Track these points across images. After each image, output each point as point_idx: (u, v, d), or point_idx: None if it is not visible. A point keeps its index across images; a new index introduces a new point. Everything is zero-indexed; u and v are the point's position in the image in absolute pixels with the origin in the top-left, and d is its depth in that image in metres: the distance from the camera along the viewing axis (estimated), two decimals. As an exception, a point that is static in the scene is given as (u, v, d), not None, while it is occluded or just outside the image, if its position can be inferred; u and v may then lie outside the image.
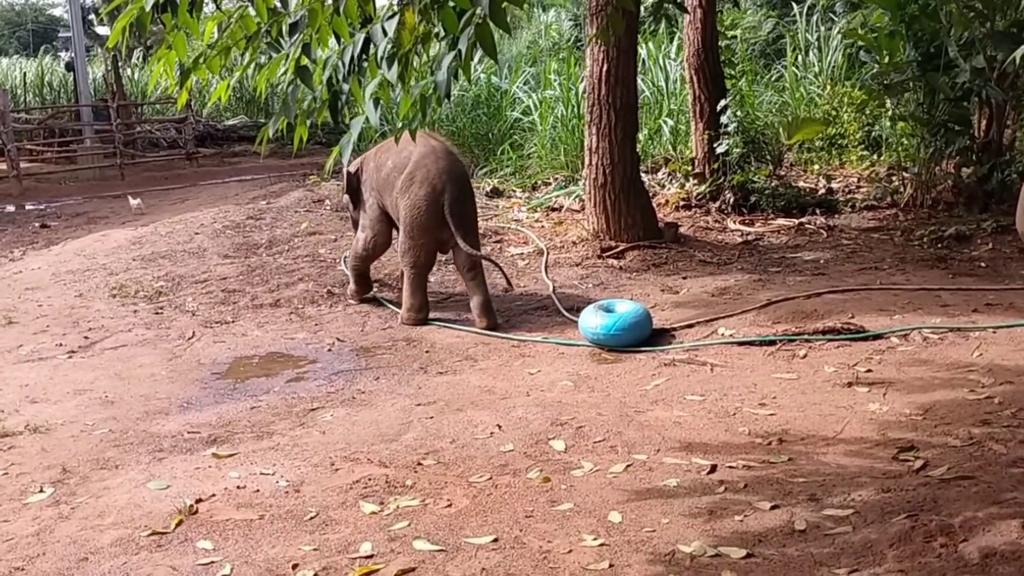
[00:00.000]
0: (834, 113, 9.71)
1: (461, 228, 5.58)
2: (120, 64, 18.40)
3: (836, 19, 13.00)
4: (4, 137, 13.31)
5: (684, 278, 6.25)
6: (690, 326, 5.24)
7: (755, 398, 4.15)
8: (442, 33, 2.57)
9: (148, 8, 2.62)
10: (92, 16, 36.22)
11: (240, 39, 2.74)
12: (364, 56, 2.73)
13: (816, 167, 9.63)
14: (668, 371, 4.62)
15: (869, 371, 4.34)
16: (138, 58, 23.51)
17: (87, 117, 15.22)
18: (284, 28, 2.77)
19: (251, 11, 2.90)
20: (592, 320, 5.18)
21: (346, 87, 2.75)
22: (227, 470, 3.83)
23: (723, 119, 7.89)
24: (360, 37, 2.69)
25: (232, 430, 4.28)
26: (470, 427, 4.11)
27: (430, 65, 2.58)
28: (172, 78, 3.11)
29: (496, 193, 10.36)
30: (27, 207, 12.44)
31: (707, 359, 4.69)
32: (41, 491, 3.73)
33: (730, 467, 3.48)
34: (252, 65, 2.94)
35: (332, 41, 2.85)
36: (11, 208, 12.35)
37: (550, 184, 10.61)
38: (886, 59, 8.01)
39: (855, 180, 9.11)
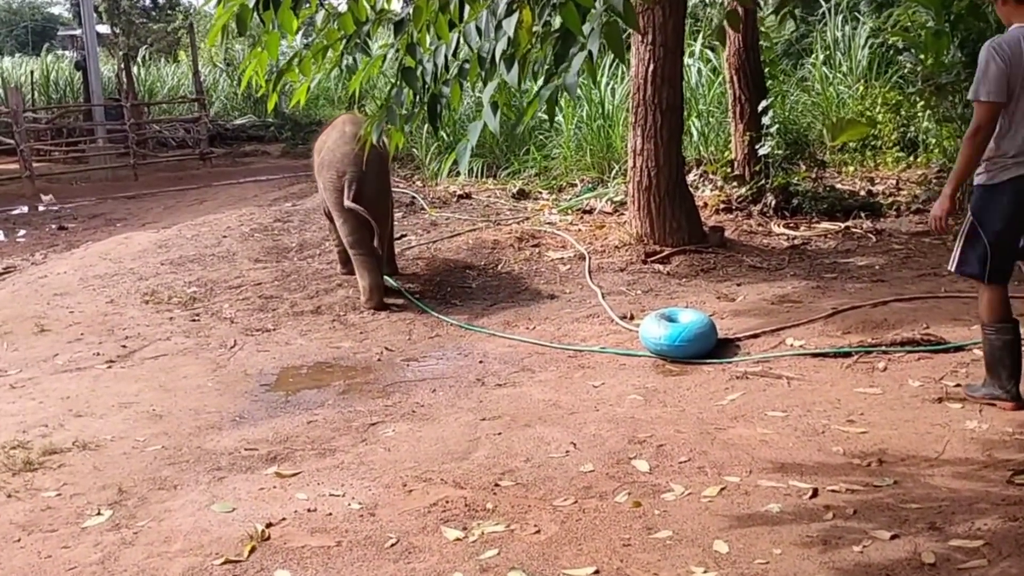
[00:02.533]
0: (868, 114, 9.54)
1: (360, 201, 6.08)
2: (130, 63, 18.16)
3: (861, 18, 12.83)
4: (17, 137, 13.08)
5: (738, 285, 6.06)
6: (755, 336, 5.05)
7: (841, 415, 3.97)
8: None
9: (251, 4, 2.42)
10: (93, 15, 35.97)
11: (336, 39, 2.55)
12: (456, 58, 2.56)
13: (851, 168, 9.46)
14: (742, 385, 4.44)
15: (958, 385, 4.15)
16: (142, 57, 23.31)
17: (100, 116, 14.98)
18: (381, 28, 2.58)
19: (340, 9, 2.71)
20: (655, 330, 5.00)
21: (445, 90, 2.55)
22: (293, 491, 3.65)
23: (764, 120, 7.71)
24: (455, 36, 2.50)
25: (291, 447, 4.09)
26: (542, 445, 3.92)
27: (544, 66, 2.38)
28: (261, 79, 2.92)
29: (522, 195, 10.19)
30: (40, 208, 12.24)
31: (781, 372, 4.50)
32: (99, 514, 3.54)
33: (832, 491, 3.30)
34: (334, 67, 2.74)
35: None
36: (24, 209, 12.16)
37: (576, 186, 10.44)
38: (931, 59, 7.82)
39: (894, 182, 8.94)
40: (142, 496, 3.68)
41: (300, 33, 2.72)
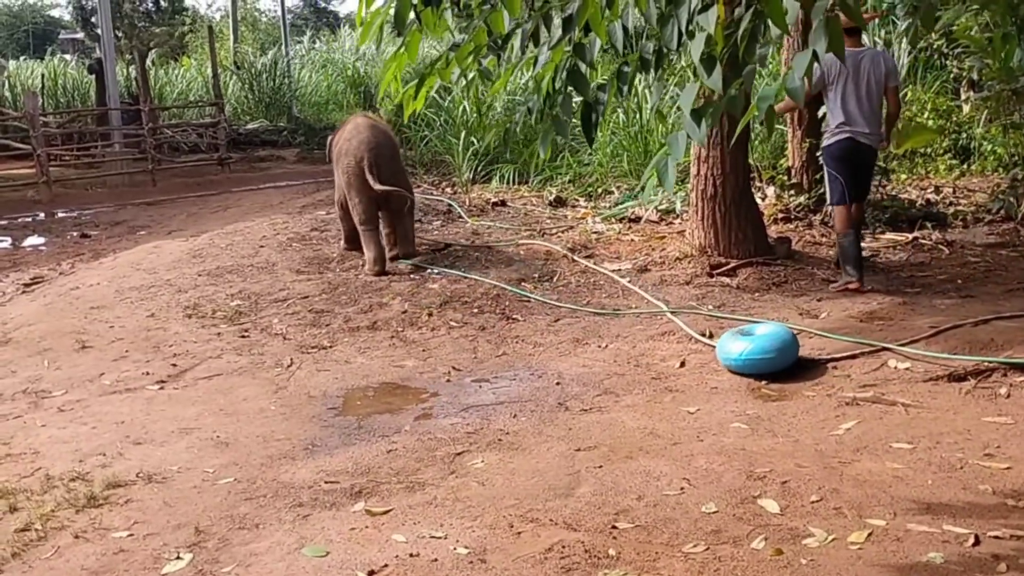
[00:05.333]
0: (918, 119, 9.25)
1: (380, 180, 6.88)
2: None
3: (898, 23, 12.55)
4: (34, 142, 12.75)
5: (818, 300, 5.75)
6: (853, 357, 4.75)
7: (975, 447, 3.67)
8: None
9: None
10: (93, 19, 35.77)
11: (485, 42, 2.25)
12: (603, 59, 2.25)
13: (903, 177, 9.17)
14: (854, 412, 4.13)
15: (1095, 415, 3.86)
16: (153, 60, 22.99)
17: (116, 120, 14.65)
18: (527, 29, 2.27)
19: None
20: (734, 346, 4.72)
21: (603, 96, 2.25)
22: (388, 531, 3.34)
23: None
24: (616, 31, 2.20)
25: (375, 479, 3.78)
26: (651, 480, 3.61)
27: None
28: (399, 84, 2.62)
29: (559, 202, 9.90)
30: (58, 214, 11.93)
31: (895, 398, 4.19)
32: (179, 558, 3.23)
33: (995, 537, 3.00)
34: (474, 72, 2.44)
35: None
36: (41, 216, 11.83)
37: (612, 193, 10.15)
38: (998, 64, 7.54)
39: (950, 190, 8.65)
40: (222, 537, 3.37)
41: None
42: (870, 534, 3.08)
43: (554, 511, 3.41)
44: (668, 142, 2.06)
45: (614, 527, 3.26)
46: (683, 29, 2.00)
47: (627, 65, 2.26)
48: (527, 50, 2.31)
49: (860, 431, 3.92)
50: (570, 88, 2.22)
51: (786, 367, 4.63)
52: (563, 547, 3.15)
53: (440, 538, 3.26)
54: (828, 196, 6.08)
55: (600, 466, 3.77)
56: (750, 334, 4.75)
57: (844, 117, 5.80)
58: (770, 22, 2.04)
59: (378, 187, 6.83)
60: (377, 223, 7.11)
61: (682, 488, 3.52)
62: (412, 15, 2.23)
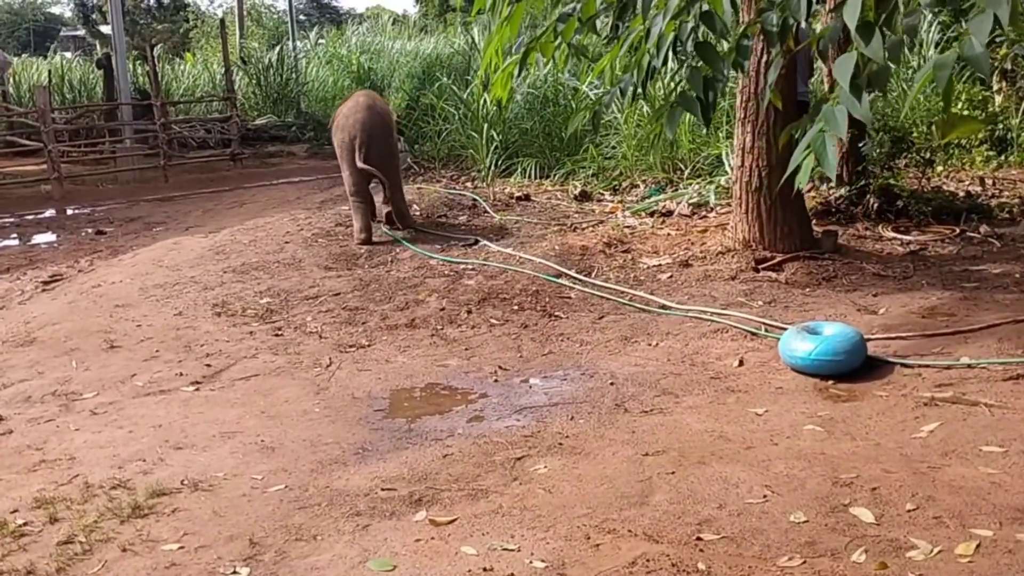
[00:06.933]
0: (953, 110, 9.02)
1: (370, 162, 7.51)
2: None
3: (925, 13, 12.32)
4: (45, 137, 12.53)
5: (874, 296, 5.54)
6: (922, 356, 4.54)
7: (1073, 450, 3.46)
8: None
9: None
10: (95, 15, 35.49)
11: (594, 11, 2.04)
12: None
13: (939, 169, 8.94)
14: (934, 413, 3.92)
15: None
16: (158, 55, 22.73)
17: (128, 116, 14.42)
18: None
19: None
20: (799, 344, 4.52)
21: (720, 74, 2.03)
22: (455, 543, 3.14)
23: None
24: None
25: (434, 486, 3.58)
26: (730, 487, 3.41)
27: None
28: (500, 60, 2.41)
29: (584, 196, 9.68)
30: (70, 211, 11.71)
31: (977, 398, 3.98)
32: (235, 572, 3.04)
33: (1116, 548, 2.79)
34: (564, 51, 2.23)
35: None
36: (52, 212, 11.62)
37: (638, 187, 9.93)
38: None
39: (990, 182, 8.43)
40: (279, 549, 3.16)
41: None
42: (978, 546, 2.88)
43: (631, 521, 3.21)
44: (824, 117, 1.85)
45: (699, 538, 3.06)
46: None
47: (747, 38, 2.06)
48: (633, 21, 2.10)
49: (944, 433, 3.71)
50: (698, 61, 2.01)
51: (854, 368, 4.42)
52: (648, 560, 2.95)
53: (513, 551, 3.06)
54: None
55: (672, 472, 3.57)
56: (816, 332, 4.54)
57: None
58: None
59: (361, 165, 7.50)
60: (365, 196, 7.76)
61: (765, 496, 3.32)
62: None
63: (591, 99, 11.89)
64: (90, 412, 4.53)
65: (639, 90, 2.37)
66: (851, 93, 1.85)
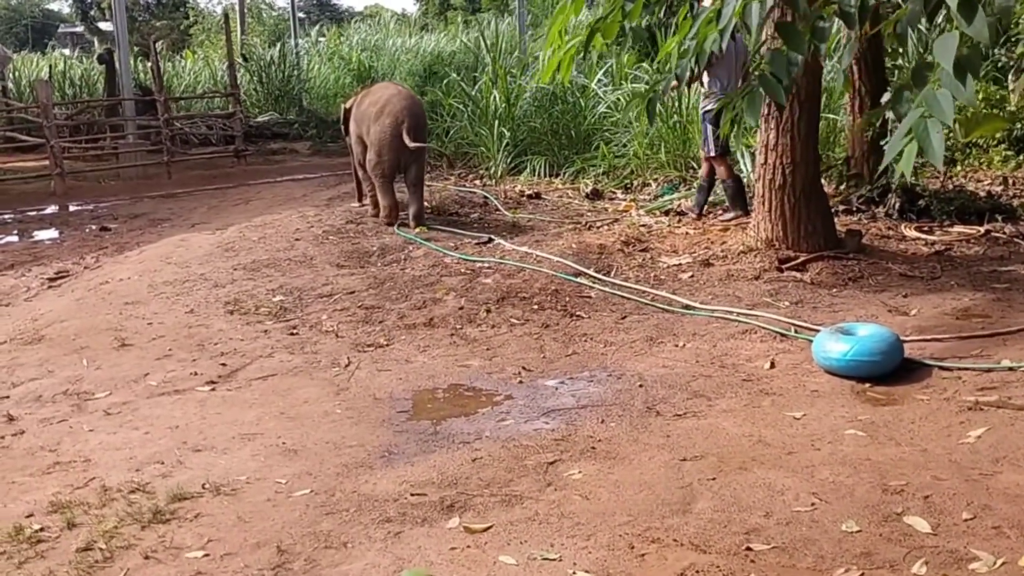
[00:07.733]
0: (971, 110, 8.91)
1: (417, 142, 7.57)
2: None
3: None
4: (47, 133, 12.37)
5: (904, 296, 5.42)
6: (960, 358, 4.41)
7: None
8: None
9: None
10: (93, 11, 35.25)
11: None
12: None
13: (957, 168, 8.83)
14: (980, 418, 3.79)
15: None
16: (161, 50, 22.56)
17: (130, 112, 14.26)
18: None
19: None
20: (834, 346, 4.39)
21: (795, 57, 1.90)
22: (492, 551, 3.01)
23: (888, 114, 7.06)
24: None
25: (465, 491, 3.44)
26: (775, 494, 3.28)
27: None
28: (562, 41, 2.28)
29: (596, 195, 9.55)
30: (72, 207, 11.56)
31: (1023, 403, 3.86)
32: (264, 582, 2.90)
33: None
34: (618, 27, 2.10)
35: None
36: (55, 208, 11.46)
37: (650, 185, 9.81)
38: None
39: (1011, 182, 8.32)
40: (308, 557, 3.03)
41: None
42: (1045, 558, 2.75)
43: (675, 529, 3.08)
44: (926, 101, 1.72)
45: (748, 548, 2.93)
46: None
47: (823, 20, 1.93)
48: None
49: (993, 439, 3.59)
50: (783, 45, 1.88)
51: (891, 371, 4.30)
52: (697, 571, 2.82)
53: (554, 560, 2.93)
54: (710, 149, 7.41)
55: (713, 478, 3.44)
56: (851, 333, 4.42)
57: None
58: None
59: (415, 144, 7.52)
60: (393, 180, 7.93)
61: (813, 504, 3.19)
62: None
63: (599, 97, 11.78)
64: (104, 412, 4.39)
65: (696, 73, 2.25)
66: (955, 76, 1.72)
